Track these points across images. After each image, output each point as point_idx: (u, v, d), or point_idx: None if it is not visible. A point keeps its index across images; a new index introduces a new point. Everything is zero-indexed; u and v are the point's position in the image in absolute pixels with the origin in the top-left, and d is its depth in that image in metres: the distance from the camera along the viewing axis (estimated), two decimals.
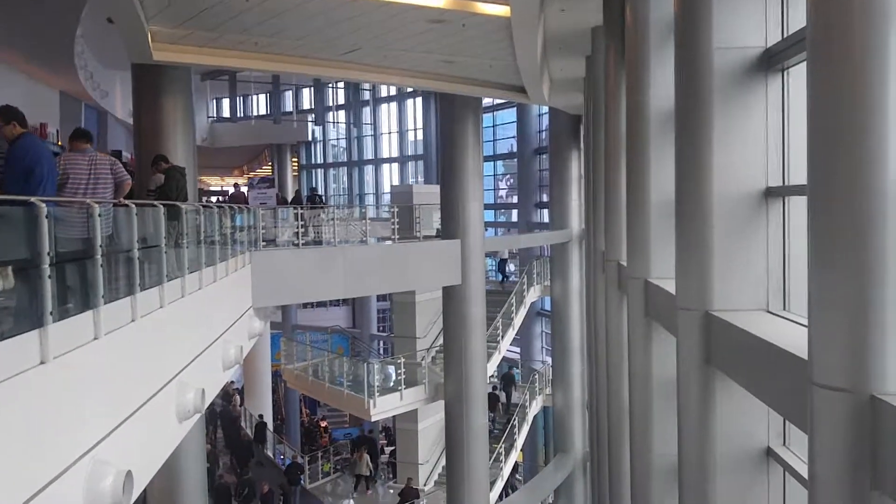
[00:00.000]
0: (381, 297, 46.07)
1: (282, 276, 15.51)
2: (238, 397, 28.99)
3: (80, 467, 5.51)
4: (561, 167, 25.75)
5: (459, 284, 19.28)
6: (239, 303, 13.79)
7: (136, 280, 7.13)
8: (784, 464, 5.91)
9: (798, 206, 5.98)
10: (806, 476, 5.47)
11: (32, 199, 5.29)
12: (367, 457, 24.27)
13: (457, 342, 19.62)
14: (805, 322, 5.50)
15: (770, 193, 6.07)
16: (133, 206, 7.34)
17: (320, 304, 47.53)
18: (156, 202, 8.69)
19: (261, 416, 27.23)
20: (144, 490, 16.36)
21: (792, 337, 4.92)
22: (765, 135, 6.10)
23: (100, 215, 6.29)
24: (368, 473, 24.41)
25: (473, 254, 19.31)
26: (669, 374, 8.57)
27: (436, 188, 21.90)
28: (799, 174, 5.90)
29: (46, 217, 5.23)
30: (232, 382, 31.07)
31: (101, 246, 6.30)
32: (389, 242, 18.44)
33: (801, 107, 6.00)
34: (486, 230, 22.45)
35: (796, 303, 6.04)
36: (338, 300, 49.45)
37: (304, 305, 48.26)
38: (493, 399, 25.32)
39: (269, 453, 26.36)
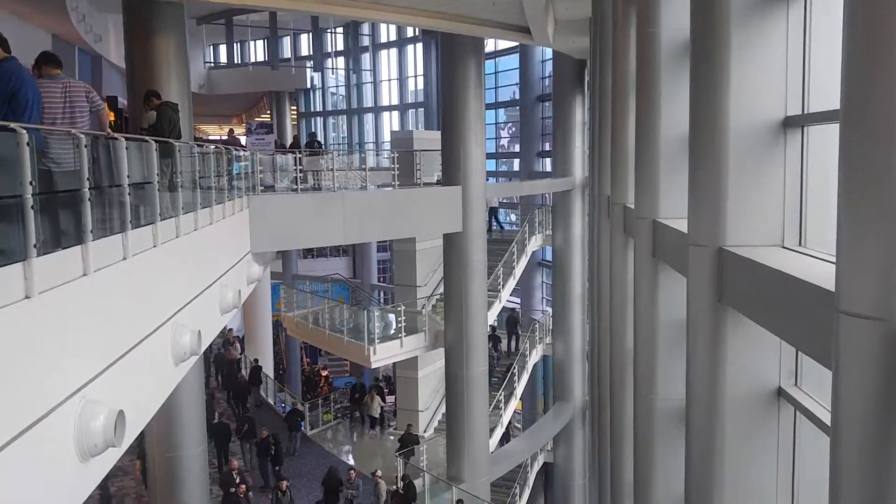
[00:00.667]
0: (381, 248, 45.94)
1: (280, 222, 15.27)
2: (238, 345, 29.00)
3: (71, 406, 5.35)
4: (564, 114, 25.26)
5: (460, 232, 19.02)
6: (237, 247, 13.59)
7: (128, 217, 6.89)
8: (796, 404, 5.72)
9: (818, 136, 5.69)
10: (820, 416, 5.30)
11: (13, 124, 5.02)
12: (378, 398, 24.90)
13: (457, 290, 19.44)
14: (825, 257, 5.26)
15: (789, 123, 5.77)
16: (123, 139, 7.07)
17: (320, 254, 47.41)
18: (147, 138, 8.40)
19: (256, 360, 27.24)
20: (143, 432, 16.47)
21: (813, 270, 4.67)
22: (784, 61, 5.77)
23: (86, 146, 6.03)
24: (378, 415, 24.72)
25: (475, 200, 19.01)
26: (676, 316, 8.37)
27: (437, 134, 21.49)
28: (819, 102, 5.60)
29: (28, 144, 4.97)
30: (231, 330, 31.03)
31: (88, 179, 6.04)
32: (390, 188, 18.14)
33: (824, 28, 5.68)
34: (487, 179, 22.09)
35: (814, 239, 5.79)
36: (338, 250, 49.33)
37: (305, 255, 48.14)
38: (495, 340, 25.34)
39: (270, 400, 26.40)
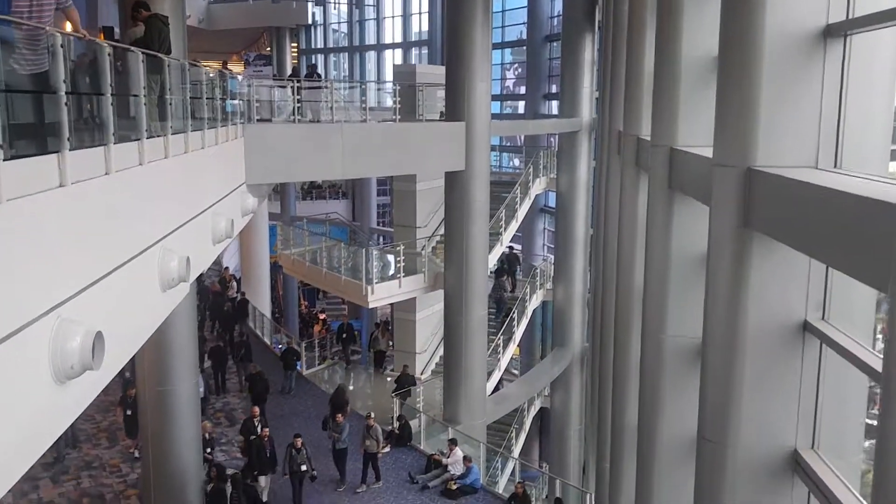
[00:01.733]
0: (381, 192, 45.36)
1: (277, 153, 14.73)
2: (235, 284, 28.66)
3: (45, 324, 4.95)
4: (573, 53, 24.46)
5: (463, 171, 18.47)
6: (231, 177, 13.11)
7: (110, 129, 6.40)
8: (824, 337, 5.33)
9: (862, 45, 5.17)
10: (854, 351, 4.91)
11: None
12: (388, 333, 25.02)
13: (458, 230, 18.97)
14: (868, 177, 4.80)
15: (830, 32, 5.25)
16: (107, 44, 6.54)
17: (319, 196, 46.85)
18: (132, 48, 7.84)
19: (243, 294, 27.01)
20: (132, 371, 16.26)
21: (867, 187, 4.22)
22: None
23: (62, 46, 5.51)
24: (387, 349, 24.74)
25: (479, 138, 18.41)
26: (690, 250, 7.96)
27: (441, 69, 20.77)
28: (867, 4, 5.06)
29: None
30: (227, 269, 30.64)
31: (64, 81, 5.55)
32: (390, 122, 17.53)
33: None
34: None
35: (851, 161, 5.32)
36: (337, 193, 48.74)
37: (304, 197, 47.57)
38: (500, 272, 24.98)
39: (266, 340, 26.17)
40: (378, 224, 44.07)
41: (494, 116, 31.67)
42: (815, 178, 4.81)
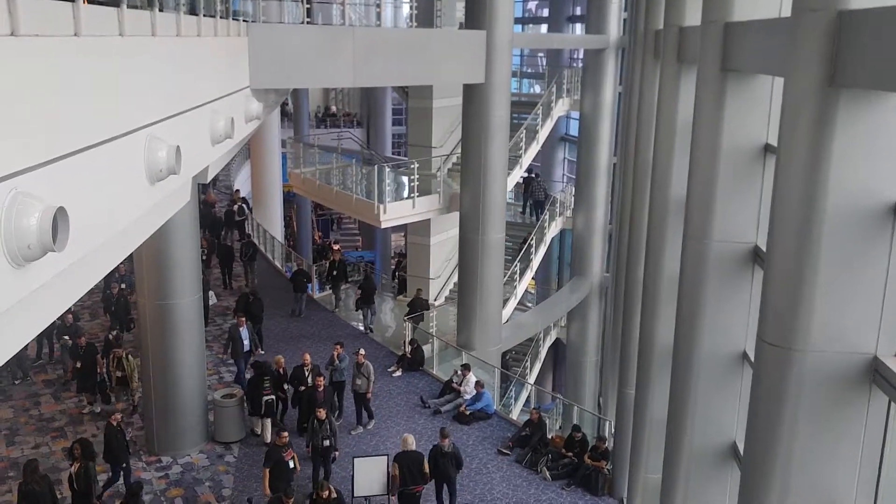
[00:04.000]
0: (396, 121, 44.20)
1: (283, 56, 13.67)
2: (245, 206, 27.97)
3: None
4: None
5: (482, 83, 17.33)
6: (232, 77, 12.14)
7: None
8: None
9: None
10: None
11: None
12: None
13: (476, 147, 17.92)
14: None
15: None
16: None
17: (333, 125, 45.83)
18: None
19: (240, 202, 27.29)
20: (132, 257, 15.42)
21: None
22: None
23: None
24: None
25: (500, 48, 17.19)
26: (743, 142, 6.98)
27: None
28: None
29: None
30: (238, 191, 29.91)
31: None
32: (406, 28, 16.35)
33: None
34: None
35: None
36: (352, 122, 47.67)
37: (318, 125, 46.50)
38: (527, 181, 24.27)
39: (277, 263, 25.49)
40: (393, 154, 42.98)
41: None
42: None
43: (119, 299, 19.06)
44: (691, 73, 8.86)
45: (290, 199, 40.83)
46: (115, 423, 12.66)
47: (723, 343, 7.43)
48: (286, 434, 12.03)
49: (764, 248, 6.79)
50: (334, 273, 21.48)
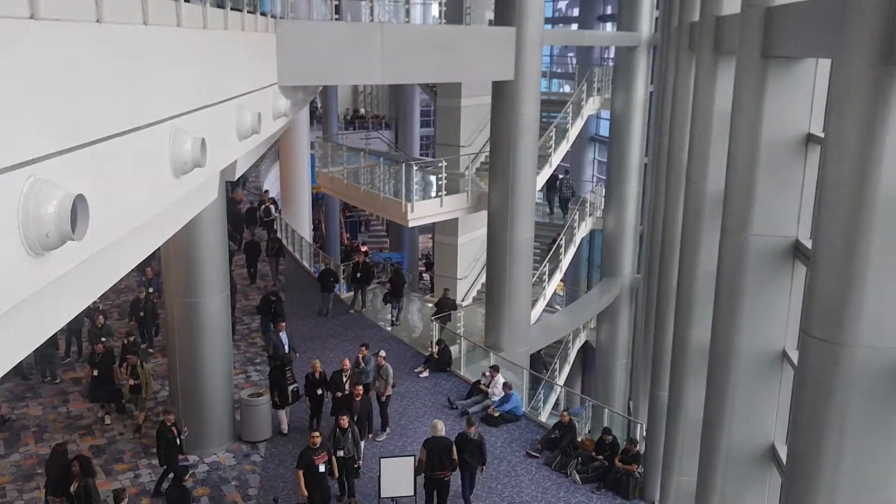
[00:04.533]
0: (424, 122, 44.14)
1: (311, 53, 13.60)
2: (274, 207, 28.07)
3: (12, 182, 3.98)
4: None
5: (511, 80, 17.12)
6: (260, 73, 12.07)
7: None
8: None
9: None
10: None
11: None
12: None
13: (504, 146, 17.70)
14: None
15: None
16: None
17: (362, 127, 45.93)
18: None
19: (252, 203, 27.77)
20: (160, 258, 15.34)
21: None
22: None
23: None
24: None
25: (530, 45, 16.97)
26: (785, 131, 6.70)
27: None
28: None
29: None
30: (267, 191, 30.04)
31: None
32: (435, 25, 16.18)
33: None
34: None
35: None
36: (381, 124, 47.72)
37: (346, 127, 46.62)
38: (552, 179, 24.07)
39: (305, 263, 25.46)
40: (421, 155, 42.91)
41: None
42: None
43: (146, 304, 18.48)
44: (729, 63, 8.58)
45: (318, 200, 40.97)
46: (168, 423, 12.48)
47: (762, 341, 7.14)
48: (317, 435, 11.66)
49: (805, 243, 6.52)
50: (357, 275, 20.91)
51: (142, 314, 18.44)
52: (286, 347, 15.45)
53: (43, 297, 4.55)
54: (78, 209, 4.20)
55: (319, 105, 44.77)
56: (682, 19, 11.75)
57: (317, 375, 14.31)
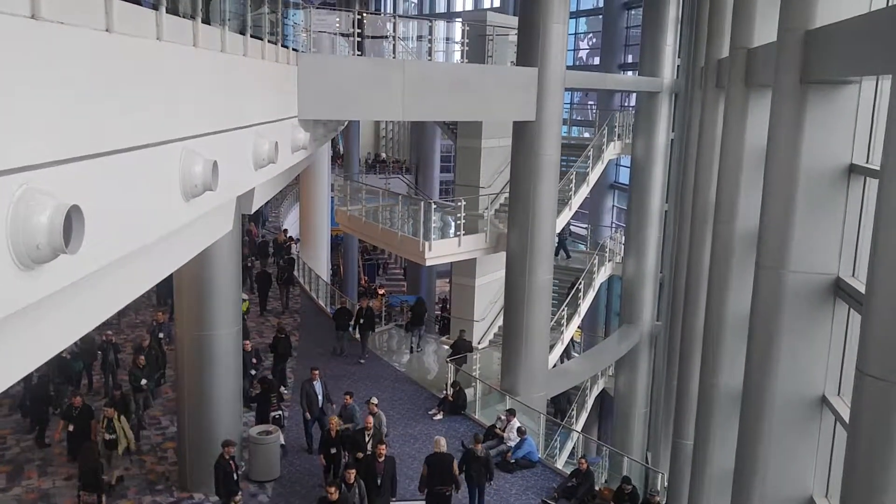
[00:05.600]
0: (444, 168, 44.28)
1: (332, 87, 13.51)
2: (293, 246, 28.09)
3: (2, 187, 3.74)
4: (656, 9, 22.58)
5: (533, 121, 16.96)
6: (280, 103, 11.98)
7: None
8: None
9: None
10: None
11: None
12: None
13: (525, 187, 17.46)
14: None
15: None
16: None
17: (381, 171, 46.21)
18: None
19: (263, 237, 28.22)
20: (172, 279, 15.00)
21: None
22: None
23: None
24: None
25: (552, 85, 16.85)
26: (826, 162, 6.38)
27: (513, 19, 19.32)
28: None
29: None
30: (286, 230, 30.02)
31: None
32: (457, 63, 16.11)
33: None
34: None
35: None
36: (401, 168, 47.94)
37: (367, 171, 46.86)
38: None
39: (321, 302, 25.21)
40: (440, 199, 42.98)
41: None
42: None
43: (150, 351, 16.45)
44: (761, 96, 8.34)
45: (338, 242, 40.99)
46: (227, 457, 12.07)
47: (800, 385, 6.72)
48: (334, 490, 10.83)
49: (846, 280, 6.14)
50: (361, 321, 19.90)
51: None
52: (320, 398, 14.57)
53: (38, 315, 4.26)
54: (73, 221, 3.92)
55: (342, 147, 45.06)
56: (709, 56, 11.56)
57: (333, 434, 13.04)
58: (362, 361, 19.89)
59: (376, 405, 13.91)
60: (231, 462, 12.11)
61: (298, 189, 32.84)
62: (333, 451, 13.11)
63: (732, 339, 9.00)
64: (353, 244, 41.29)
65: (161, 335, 18.34)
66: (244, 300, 19.61)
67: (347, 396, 14.42)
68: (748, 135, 8.81)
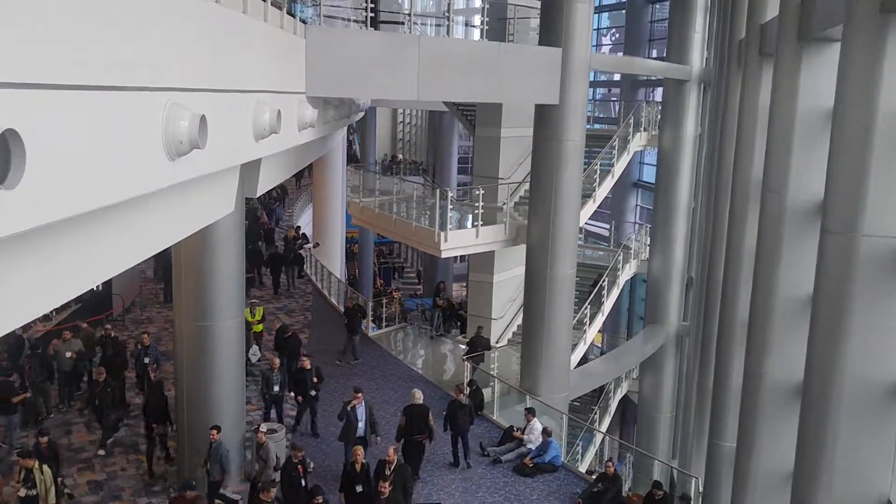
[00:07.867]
0: (461, 169, 43.51)
1: (343, 63, 12.63)
2: (305, 241, 27.33)
3: None
4: None
5: (556, 105, 16.03)
6: (286, 78, 11.15)
7: None
8: None
9: None
10: None
11: None
12: None
13: (547, 175, 16.49)
14: None
15: None
16: None
17: (396, 173, 45.59)
18: None
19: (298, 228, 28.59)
20: (169, 253, 14.10)
21: None
22: None
23: None
24: None
25: (576, 67, 15.90)
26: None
27: (534, 0, 18.42)
28: None
29: None
30: (299, 227, 29.33)
31: None
32: (476, 40, 15.23)
33: None
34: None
35: None
36: (417, 169, 47.22)
37: (384, 172, 46.22)
38: None
39: (333, 300, 24.38)
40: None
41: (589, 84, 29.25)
42: None
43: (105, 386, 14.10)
44: (818, 50, 7.38)
45: (353, 244, 40.30)
46: (295, 460, 11.31)
47: (874, 369, 5.74)
48: None
49: None
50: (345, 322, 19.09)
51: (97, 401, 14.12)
52: (361, 424, 12.79)
53: None
54: (10, 146, 3.08)
55: (358, 150, 44.37)
56: (750, 23, 10.61)
57: (358, 468, 11.23)
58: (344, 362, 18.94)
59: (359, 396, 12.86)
60: (299, 467, 11.12)
61: (311, 190, 32.29)
62: (360, 489, 11.13)
63: (783, 325, 8.03)
64: (369, 247, 40.73)
65: (147, 360, 15.58)
66: (258, 305, 18.71)
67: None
68: (802, 94, 7.86)
